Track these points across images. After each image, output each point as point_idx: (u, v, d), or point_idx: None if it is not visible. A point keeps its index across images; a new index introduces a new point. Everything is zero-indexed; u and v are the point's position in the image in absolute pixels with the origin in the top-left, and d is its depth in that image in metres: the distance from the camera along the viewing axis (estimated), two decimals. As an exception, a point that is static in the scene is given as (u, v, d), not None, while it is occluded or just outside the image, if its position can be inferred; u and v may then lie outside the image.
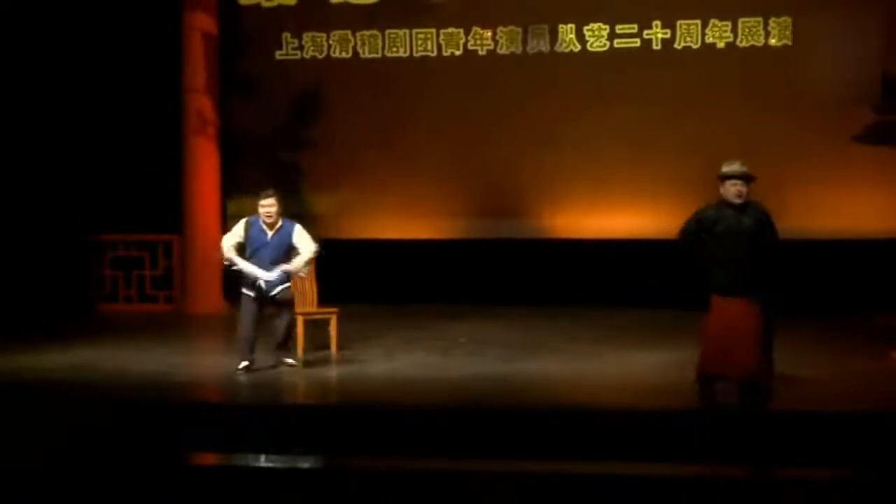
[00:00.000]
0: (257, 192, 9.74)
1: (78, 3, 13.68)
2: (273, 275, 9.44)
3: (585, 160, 13.66)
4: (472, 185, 13.96)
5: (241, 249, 9.59)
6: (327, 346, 10.35)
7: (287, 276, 9.61)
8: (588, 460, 7.36)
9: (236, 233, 9.57)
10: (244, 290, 9.53)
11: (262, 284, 9.44)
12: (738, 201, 8.24)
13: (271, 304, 9.55)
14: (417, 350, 10.59)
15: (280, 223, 9.58)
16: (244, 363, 9.42)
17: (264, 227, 9.50)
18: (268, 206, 9.50)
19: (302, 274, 9.87)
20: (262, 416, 8.20)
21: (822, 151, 13.20)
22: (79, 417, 8.12)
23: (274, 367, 9.55)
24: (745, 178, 8.28)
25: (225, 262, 9.62)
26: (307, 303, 10.39)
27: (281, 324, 9.57)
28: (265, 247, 9.48)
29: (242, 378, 9.28)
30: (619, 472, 7.04)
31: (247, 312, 9.45)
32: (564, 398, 8.57)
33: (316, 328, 10.41)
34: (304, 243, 9.60)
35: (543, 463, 7.24)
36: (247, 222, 9.55)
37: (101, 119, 13.96)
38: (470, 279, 13.77)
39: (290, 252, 9.61)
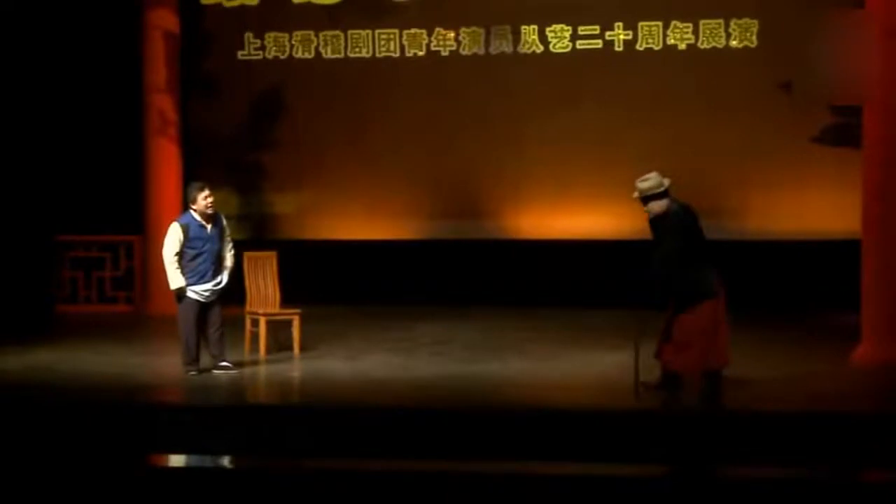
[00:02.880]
0: (188, 191, 9.52)
1: (37, 2, 13.56)
2: (225, 280, 9.41)
3: (549, 161, 13.70)
4: (436, 186, 13.97)
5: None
6: (290, 348, 10.34)
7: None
8: (551, 460, 7.40)
9: (176, 241, 9.29)
10: (189, 294, 9.33)
11: (211, 292, 9.34)
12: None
13: (208, 306, 9.44)
14: (381, 351, 10.59)
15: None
16: (193, 367, 9.36)
17: (202, 221, 9.36)
18: (210, 195, 9.38)
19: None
20: (223, 417, 8.16)
21: (783, 152, 13.33)
22: (35, 420, 8.04)
23: (211, 370, 9.42)
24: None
25: (173, 288, 9.32)
26: (269, 304, 10.37)
27: (217, 323, 9.46)
28: (209, 241, 9.35)
29: (200, 379, 9.23)
30: (582, 472, 7.05)
31: (191, 315, 9.32)
32: (527, 398, 8.58)
33: (278, 329, 10.38)
34: (228, 235, 9.57)
35: (505, 463, 7.27)
36: (182, 225, 9.31)
37: (60, 118, 13.85)
38: (434, 280, 13.77)
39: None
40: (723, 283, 8.46)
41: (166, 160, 13.67)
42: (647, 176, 8.38)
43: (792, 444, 7.50)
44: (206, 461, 7.59)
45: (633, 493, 6.64)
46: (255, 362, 9.94)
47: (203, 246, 9.31)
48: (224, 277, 9.48)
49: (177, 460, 7.67)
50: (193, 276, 9.30)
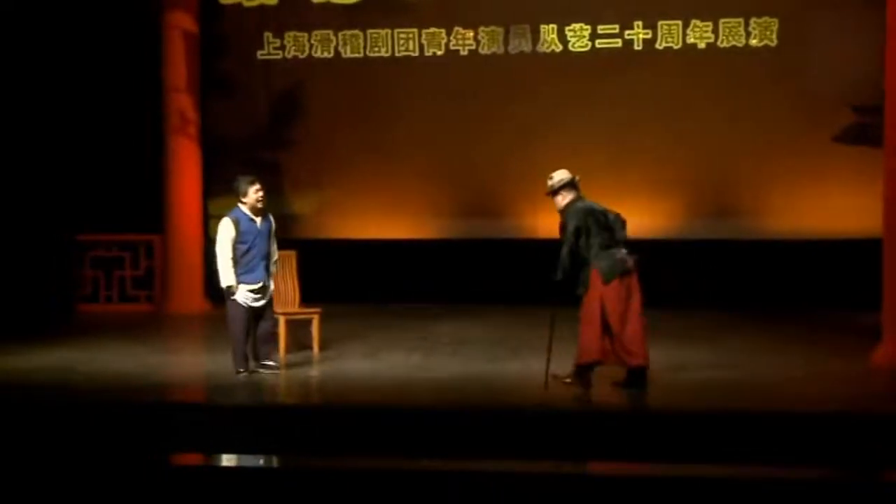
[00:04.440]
0: (237, 185, 9.39)
1: (57, 3, 13.63)
2: (271, 285, 9.41)
3: (566, 160, 13.48)
4: (455, 185, 13.98)
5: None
6: (309, 347, 10.36)
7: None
8: (572, 460, 7.41)
9: (229, 236, 9.17)
10: (240, 299, 9.23)
11: (258, 297, 9.30)
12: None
13: (259, 310, 9.37)
14: (399, 350, 10.56)
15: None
16: (243, 366, 9.30)
17: (251, 215, 9.32)
18: (261, 189, 9.33)
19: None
20: (243, 416, 8.18)
21: (803, 152, 13.28)
22: (59, 419, 8.08)
23: (257, 370, 9.42)
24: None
25: (224, 285, 9.19)
26: (289, 303, 10.37)
27: (267, 326, 9.46)
28: (259, 237, 9.28)
29: (221, 378, 9.22)
30: (604, 472, 7.11)
31: (240, 315, 9.25)
32: (546, 398, 8.57)
33: (298, 328, 10.39)
34: (274, 234, 9.53)
35: (526, 463, 7.23)
36: (233, 219, 9.21)
37: (81, 118, 13.91)
38: (452, 279, 13.79)
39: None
40: (632, 278, 8.60)
41: (186, 159, 13.72)
42: (554, 173, 8.79)
43: (811, 445, 7.46)
44: (225, 461, 7.60)
45: (654, 493, 6.65)
46: (275, 361, 9.93)
47: (253, 240, 9.22)
48: (270, 282, 9.41)
49: (196, 460, 7.69)
50: (243, 270, 9.20)
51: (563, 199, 8.73)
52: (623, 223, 8.76)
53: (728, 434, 7.60)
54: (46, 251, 13.63)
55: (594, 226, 8.61)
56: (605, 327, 8.56)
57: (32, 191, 13.55)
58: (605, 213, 8.73)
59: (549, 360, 8.66)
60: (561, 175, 8.78)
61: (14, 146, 13.49)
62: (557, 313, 8.56)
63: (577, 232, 8.57)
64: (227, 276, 9.18)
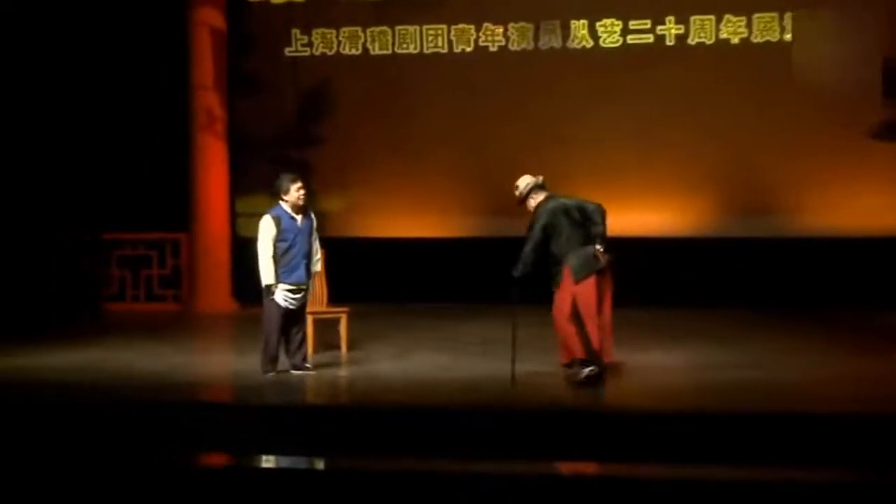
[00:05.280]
0: (279, 183, 9.26)
1: (84, 0, 13.64)
2: (311, 287, 9.33)
3: (596, 157, 13.58)
4: (482, 183, 13.88)
5: None
6: (337, 347, 10.32)
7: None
8: (598, 461, 7.33)
9: (269, 234, 9.09)
10: (278, 299, 9.14)
11: (298, 299, 9.20)
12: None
13: (295, 310, 9.28)
14: (427, 350, 10.51)
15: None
16: (271, 367, 9.24)
17: (292, 213, 9.22)
18: (303, 187, 9.22)
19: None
20: (271, 417, 8.13)
21: (835, 148, 13.13)
22: (86, 418, 8.07)
23: (290, 371, 9.35)
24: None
25: (265, 284, 9.05)
26: (317, 302, 10.31)
27: (300, 325, 9.36)
28: (300, 235, 9.19)
29: (248, 379, 9.17)
30: (627, 473, 7.00)
31: (278, 319, 9.17)
32: (576, 399, 8.46)
33: (325, 328, 10.34)
34: (316, 232, 9.43)
35: (555, 464, 7.21)
36: (274, 217, 9.12)
37: (107, 116, 13.91)
38: (481, 278, 13.67)
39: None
40: (605, 278, 8.69)
41: (213, 157, 13.70)
42: (518, 181, 8.92)
43: (838, 446, 7.32)
44: (252, 461, 7.55)
45: (674, 496, 6.56)
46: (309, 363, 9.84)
47: (294, 238, 9.14)
48: (311, 283, 9.34)
49: (223, 460, 7.65)
50: (284, 271, 9.12)
51: (534, 201, 8.88)
52: (603, 214, 8.72)
53: (749, 435, 7.48)
54: (73, 250, 13.66)
55: (566, 224, 8.69)
56: (580, 321, 8.68)
57: (59, 189, 13.58)
58: (581, 207, 8.74)
59: (514, 360, 8.81)
60: (526, 180, 8.91)
61: (41, 144, 13.52)
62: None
63: (544, 230, 8.69)
64: (267, 274, 9.10)
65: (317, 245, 9.42)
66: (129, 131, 13.97)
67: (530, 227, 8.78)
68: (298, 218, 9.23)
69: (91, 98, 13.81)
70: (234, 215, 13.84)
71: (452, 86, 13.90)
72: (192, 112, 13.62)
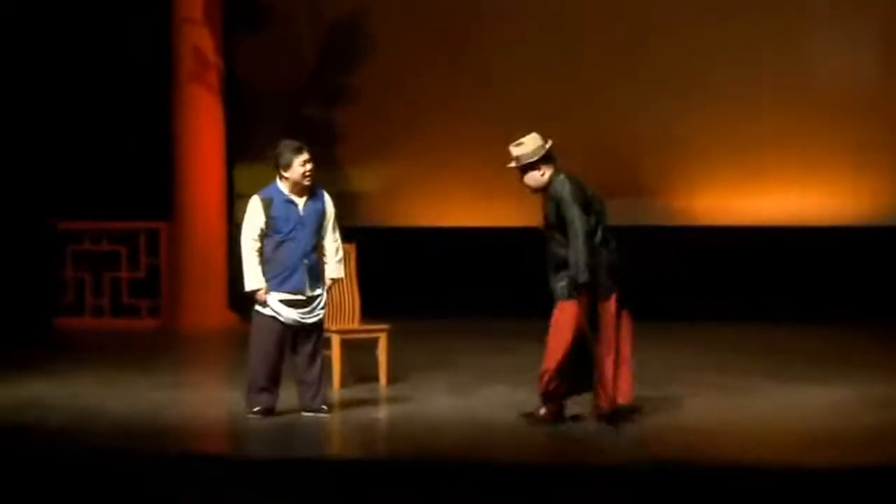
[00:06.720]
0: (278, 152, 9.20)
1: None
2: (324, 296, 9.27)
3: (730, 122, 13.76)
4: (570, 155, 13.58)
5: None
6: (374, 378, 10.34)
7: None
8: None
9: (254, 222, 9.09)
10: (269, 310, 9.16)
11: (307, 303, 9.19)
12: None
13: (301, 329, 9.26)
14: (495, 382, 10.58)
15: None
16: (258, 405, 9.25)
17: (291, 196, 9.17)
18: (309, 161, 9.15)
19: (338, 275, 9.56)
20: (282, 473, 8.07)
21: None
22: (28, 474, 8.03)
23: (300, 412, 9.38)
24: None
25: (248, 290, 9.14)
26: (346, 317, 10.40)
27: (316, 356, 9.30)
28: (300, 225, 9.14)
29: (256, 422, 9.18)
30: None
31: (269, 338, 9.17)
32: (705, 450, 8.36)
33: (358, 352, 10.33)
34: (334, 220, 9.36)
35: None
36: (263, 199, 9.12)
37: (61, 64, 13.92)
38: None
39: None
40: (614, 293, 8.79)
41: (204, 117, 13.82)
42: (523, 139, 8.79)
43: None
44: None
45: None
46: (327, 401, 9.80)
47: (291, 231, 9.11)
48: (321, 290, 9.25)
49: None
50: (276, 274, 9.08)
51: (543, 174, 8.79)
52: (603, 204, 8.91)
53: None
54: (15, 245, 13.67)
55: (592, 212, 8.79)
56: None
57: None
58: (600, 199, 8.87)
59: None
60: (534, 142, 8.77)
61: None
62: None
63: (587, 210, 8.68)
64: (251, 276, 9.12)
65: (336, 240, 9.36)
66: (91, 86, 14.02)
67: (555, 216, 8.71)
68: (300, 202, 9.18)
69: (42, 33, 13.77)
70: (231, 196, 13.86)
71: (536, 22, 13.94)
72: (176, 56, 13.78)
